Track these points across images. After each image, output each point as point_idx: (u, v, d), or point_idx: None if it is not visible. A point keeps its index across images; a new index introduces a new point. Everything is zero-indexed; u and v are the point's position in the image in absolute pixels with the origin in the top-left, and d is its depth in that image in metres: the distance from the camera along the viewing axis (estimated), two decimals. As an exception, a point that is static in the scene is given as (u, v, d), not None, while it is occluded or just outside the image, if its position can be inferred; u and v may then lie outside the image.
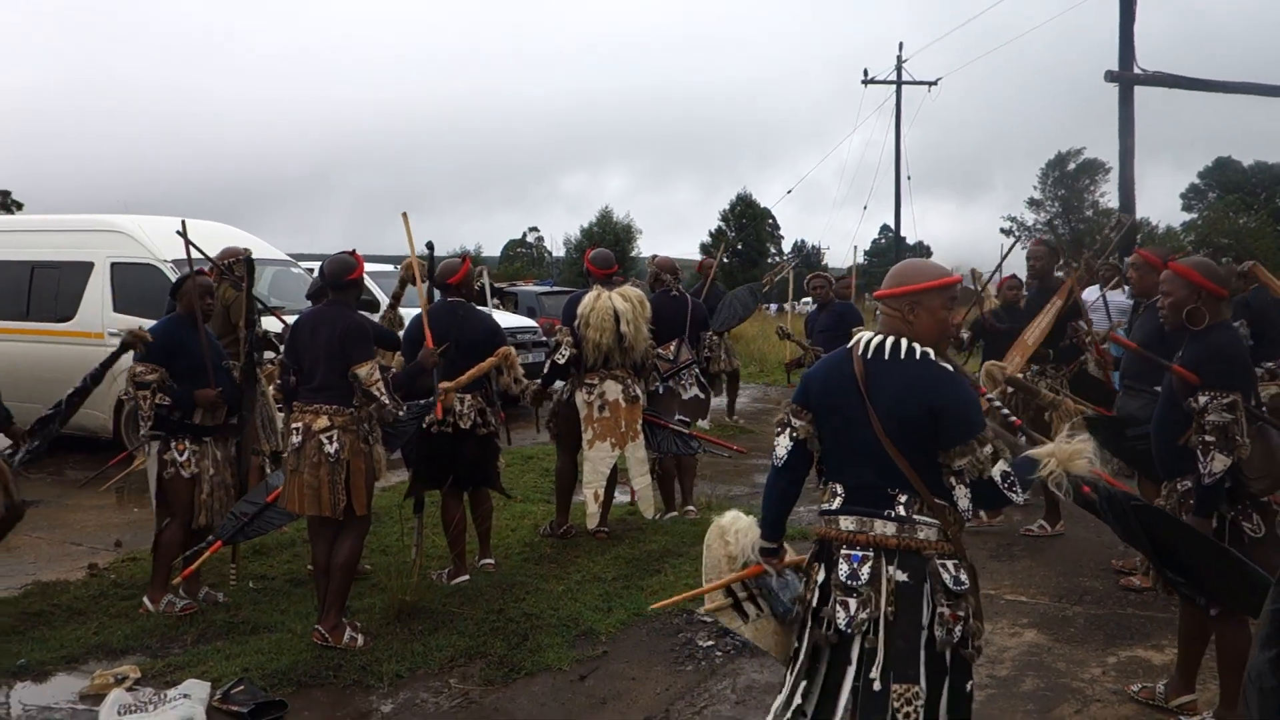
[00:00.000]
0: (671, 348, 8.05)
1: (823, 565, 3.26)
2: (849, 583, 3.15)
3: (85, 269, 11.03)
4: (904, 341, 3.23)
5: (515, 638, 5.51)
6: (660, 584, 6.36)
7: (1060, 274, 7.84)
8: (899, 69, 35.61)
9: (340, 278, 5.64)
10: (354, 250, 5.82)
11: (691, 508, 8.06)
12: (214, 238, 10.59)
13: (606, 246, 9.31)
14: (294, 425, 5.53)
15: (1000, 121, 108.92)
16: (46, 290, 11.14)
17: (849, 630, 3.11)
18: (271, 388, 7.11)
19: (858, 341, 3.30)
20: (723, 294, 12.36)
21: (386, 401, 5.43)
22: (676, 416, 7.95)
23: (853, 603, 3.12)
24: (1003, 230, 64.57)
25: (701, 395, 8.19)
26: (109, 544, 7.61)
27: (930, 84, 35.71)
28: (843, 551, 3.19)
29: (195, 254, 6.69)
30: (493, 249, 63.32)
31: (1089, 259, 8.18)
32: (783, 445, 3.39)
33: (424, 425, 6.24)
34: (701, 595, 3.67)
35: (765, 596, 3.54)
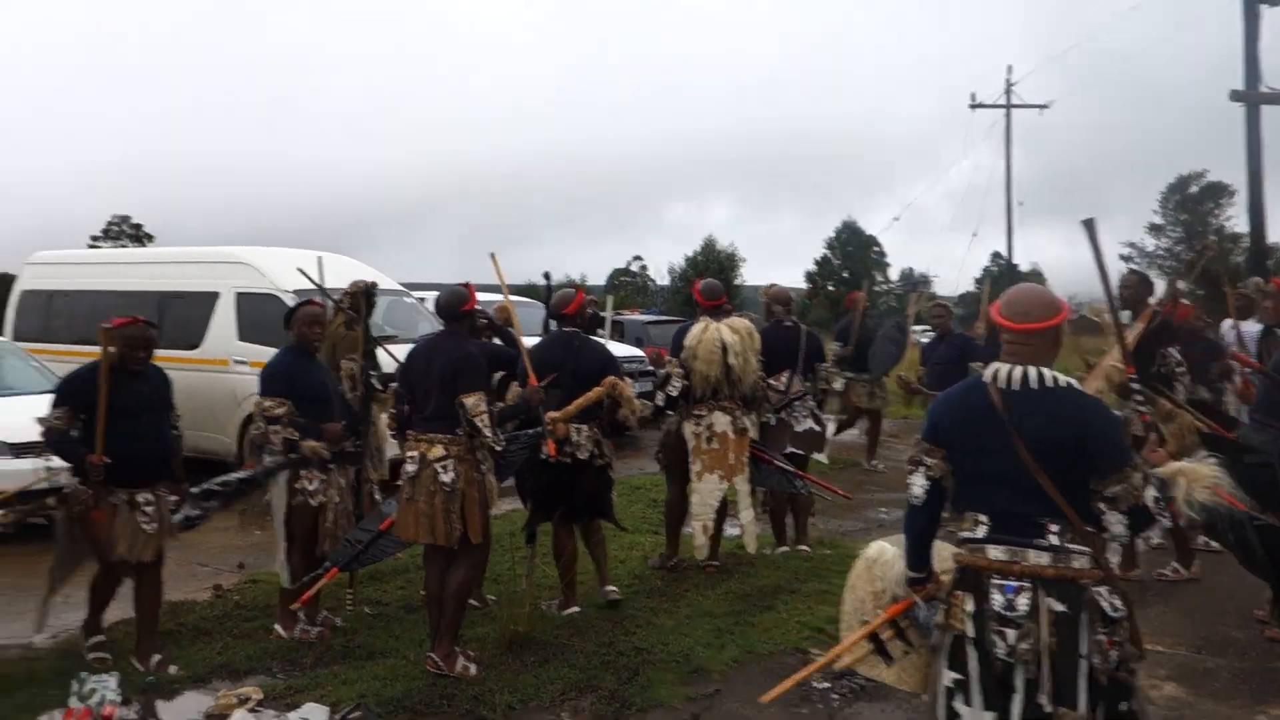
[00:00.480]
0: (783, 379, 7.96)
1: (970, 595, 3.27)
2: (1005, 613, 3.18)
3: (211, 299, 11.44)
4: (1046, 371, 3.28)
5: (626, 672, 5.49)
6: (773, 621, 6.29)
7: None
8: (1008, 92, 35.04)
9: (454, 309, 5.74)
10: (468, 283, 5.91)
11: (805, 546, 7.95)
12: (332, 269, 10.89)
13: (710, 275, 9.25)
14: (409, 454, 5.61)
15: (1116, 144, 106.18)
16: (175, 319, 11.56)
17: (1010, 659, 3.15)
18: (385, 416, 7.26)
19: (993, 374, 3.33)
20: (872, 330, 12.03)
21: (488, 434, 5.47)
22: (788, 449, 7.87)
23: (1011, 633, 3.16)
24: (1122, 257, 62.69)
25: (817, 428, 8.06)
26: (233, 565, 7.83)
27: (1041, 107, 35.06)
28: (994, 581, 3.22)
29: (316, 286, 6.89)
30: (597, 278, 63.77)
31: (1173, 283, 7.82)
32: (919, 484, 3.44)
33: (542, 457, 6.29)
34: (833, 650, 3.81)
35: (917, 628, 3.52)
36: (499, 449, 5.67)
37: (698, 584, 7.09)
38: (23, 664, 5.64)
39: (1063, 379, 3.28)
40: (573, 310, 6.72)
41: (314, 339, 6.28)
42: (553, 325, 6.99)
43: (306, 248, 12.71)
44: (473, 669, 5.48)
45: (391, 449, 7.36)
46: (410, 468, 5.57)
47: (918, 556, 3.57)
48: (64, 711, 4.86)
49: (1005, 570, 3.21)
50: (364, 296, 6.98)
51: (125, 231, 58.05)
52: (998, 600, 3.19)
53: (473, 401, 5.43)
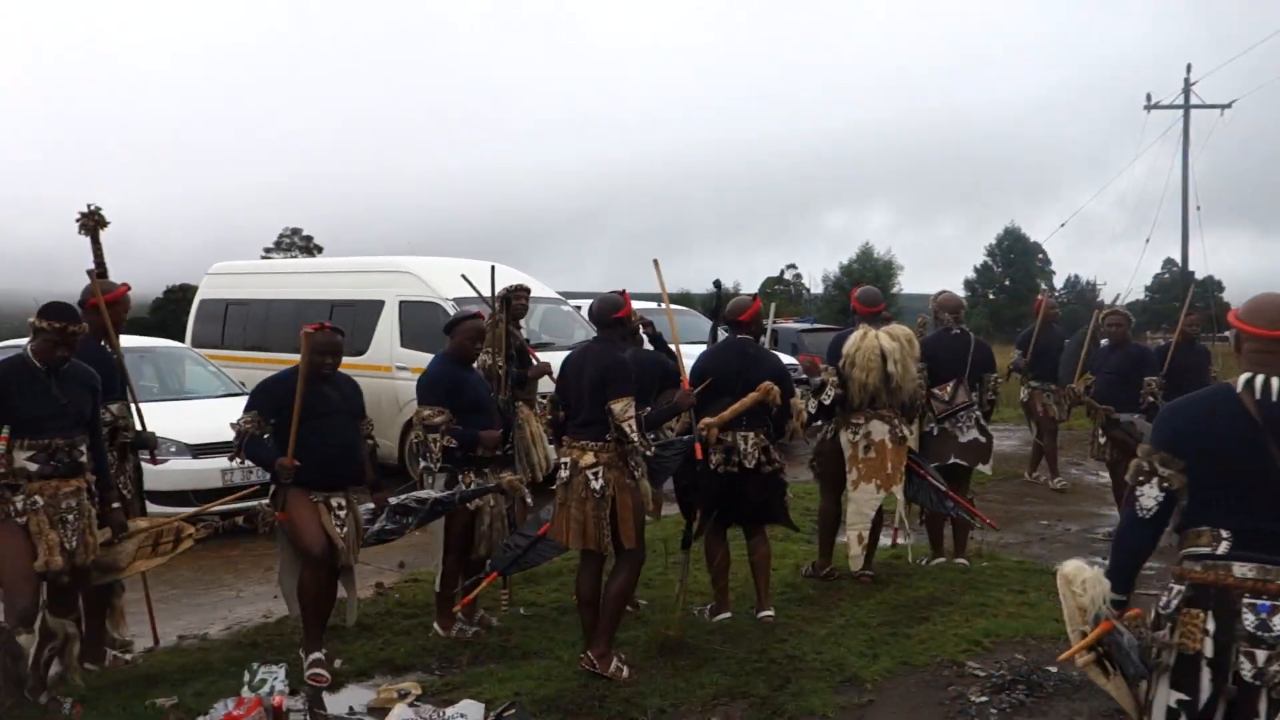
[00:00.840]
0: (948, 389, 7.76)
1: (1211, 613, 3.12)
2: (1258, 633, 3.05)
3: (377, 307, 11.87)
4: None
5: (777, 680, 5.44)
6: (928, 633, 6.14)
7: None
8: (1186, 92, 33.41)
9: (606, 315, 5.77)
10: (624, 290, 5.96)
11: (962, 560, 7.74)
12: (487, 276, 11.14)
13: (867, 283, 9.05)
14: (563, 460, 5.68)
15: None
16: (343, 326, 11.94)
17: (1256, 682, 3.03)
18: (532, 419, 7.41)
19: (1246, 382, 3.19)
20: (1060, 337, 11.52)
21: (636, 439, 5.47)
22: (952, 460, 7.69)
23: (1261, 654, 3.04)
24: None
25: (982, 439, 7.82)
26: (393, 564, 8.08)
27: (1223, 107, 33.33)
28: (1246, 600, 3.08)
29: (477, 293, 7.08)
30: (750, 287, 63.61)
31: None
32: (1151, 496, 3.24)
33: (712, 466, 6.31)
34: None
35: (1116, 655, 3.32)
36: (650, 454, 5.68)
37: (851, 594, 6.98)
38: (199, 654, 5.92)
39: None
40: (748, 318, 6.69)
41: (474, 352, 6.42)
42: (721, 333, 7.02)
43: (470, 257, 13.07)
44: (625, 671, 5.51)
45: (543, 452, 7.51)
46: (563, 474, 5.63)
47: (1127, 577, 3.37)
48: (236, 700, 5.07)
49: (1259, 589, 3.07)
50: (502, 300, 7.12)
51: (296, 243, 60.68)
52: (1250, 620, 3.05)
53: (620, 407, 5.44)
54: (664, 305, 6.55)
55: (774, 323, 17.77)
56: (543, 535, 6.02)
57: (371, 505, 5.95)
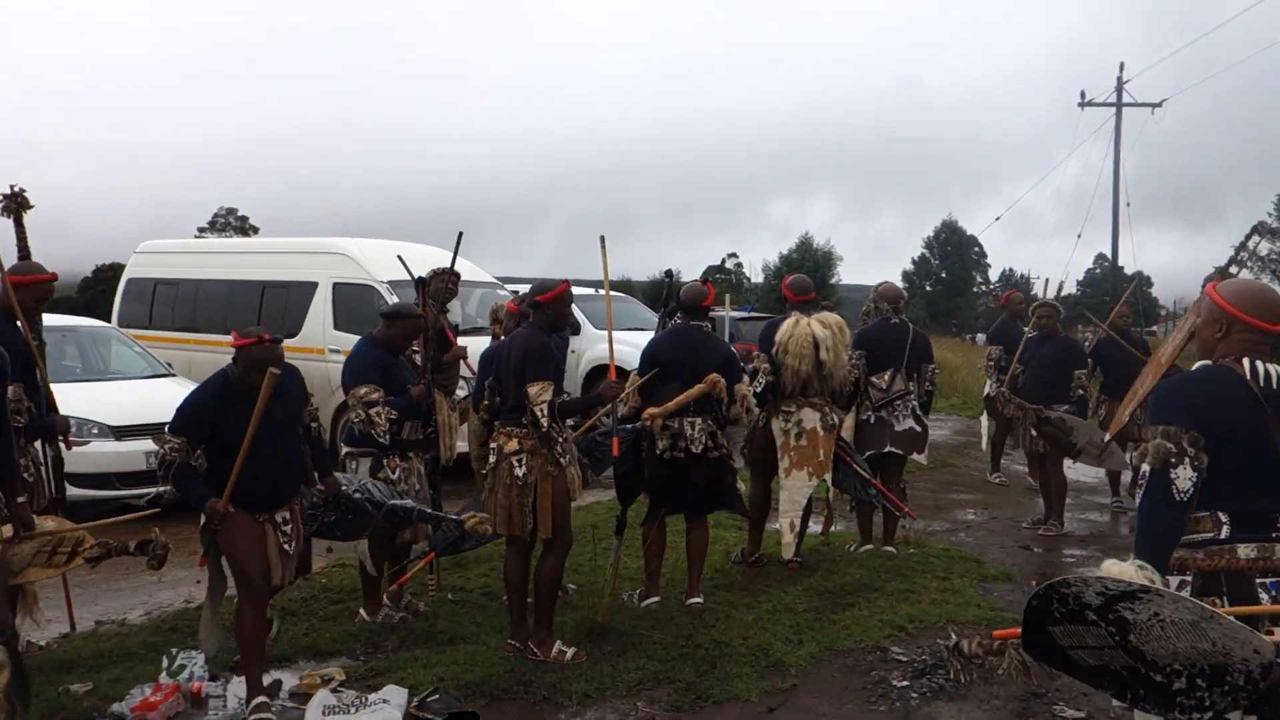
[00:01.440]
0: (886, 377, 7.85)
1: (1227, 600, 3.09)
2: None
3: (310, 289, 11.71)
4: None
5: (704, 665, 5.46)
6: (854, 618, 6.20)
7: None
8: (1119, 90, 33.97)
9: (531, 297, 5.72)
10: (708, 280, 5.94)
11: (890, 548, 7.82)
12: (425, 260, 11.04)
13: (806, 273, 9.10)
14: (492, 445, 5.66)
15: (1232, 146, 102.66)
16: (275, 308, 11.88)
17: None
18: (444, 404, 7.33)
19: (1249, 367, 3.19)
20: (1021, 332, 10.48)
21: (545, 424, 5.40)
22: (887, 448, 7.79)
23: (1279, 631, 3.00)
24: (1238, 263, 60.49)
25: (918, 428, 7.92)
26: (320, 549, 7.96)
27: (1154, 106, 33.96)
28: (1259, 581, 3.10)
29: (409, 275, 7.04)
30: (691, 274, 63.81)
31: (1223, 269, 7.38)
32: (1186, 478, 3.09)
33: (658, 453, 6.34)
34: None
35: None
36: (561, 441, 5.58)
37: (779, 580, 7.03)
38: (116, 639, 5.81)
39: None
40: (709, 304, 6.74)
41: (405, 347, 6.36)
42: (667, 322, 7.05)
43: (412, 240, 12.96)
44: (569, 653, 5.53)
45: (458, 438, 7.47)
46: (491, 459, 5.62)
47: (1161, 569, 3.12)
48: (153, 686, 4.99)
49: (1265, 569, 3.10)
50: (419, 283, 7.08)
51: (231, 223, 59.75)
52: (1265, 600, 3.07)
53: (535, 391, 5.39)
54: (604, 289, 6.48)
55: (729, 311, 17.80)
56: None
57: (321, 489, 5.50)
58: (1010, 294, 12.22)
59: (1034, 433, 8.78)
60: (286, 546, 5.05)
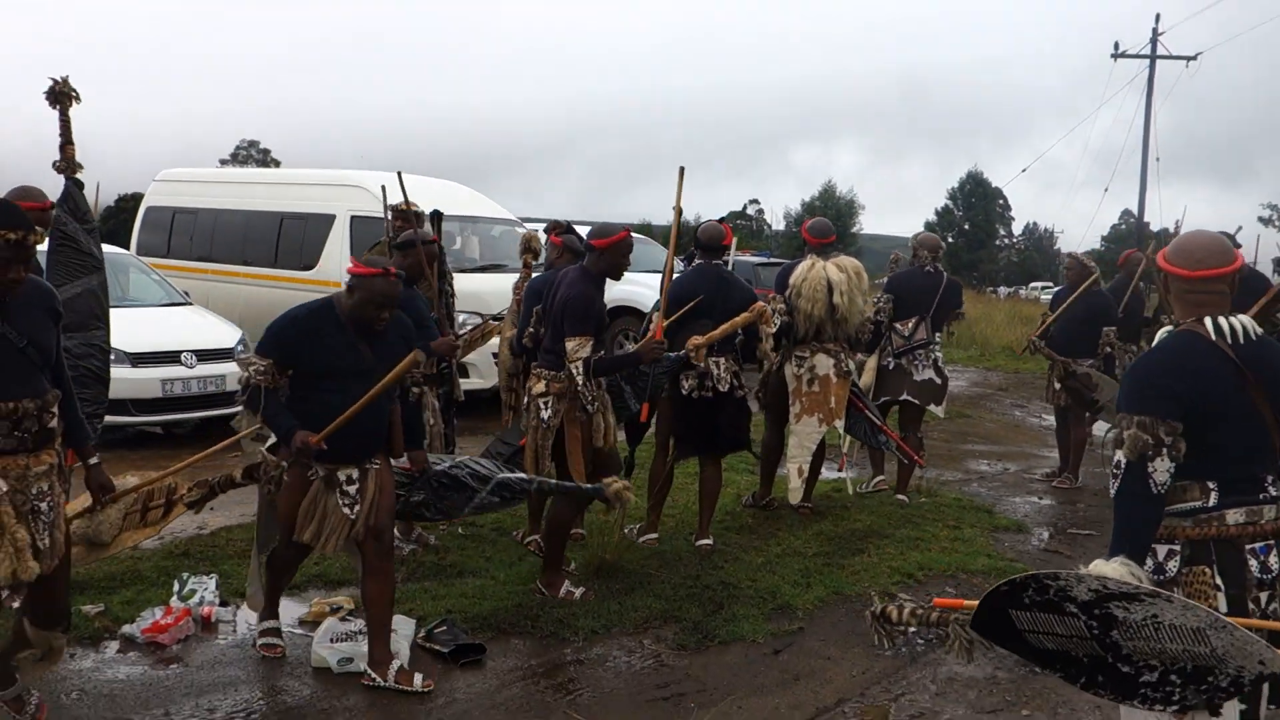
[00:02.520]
0: (910, 325, 7.81)
1: (1216, 568, 3.00)
2: (1263, 576, 2.99)
3: (328, 221, 11.67)
4: (1247, 320, 3.06)
5: (711, 605, 5.48)
6: (862, 564, 6.21)
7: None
8: (1154, 42, 33.40)
9: (588, 240, 5.57)
10: (724, 219, 5.86)
11: (903, 495, 7.81)
12: (442, 195, 10.99)
13: (828, 219, 9.00)
14: (529, 385, 5.63)
15: (1267, 103, 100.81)
16: (293, 240, 11.86)
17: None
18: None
19: (1214, 327, 3.02)
20: (1137, 300, 9.94)
21: (580, 382, 5.33)
22: (904, 396, 7.77)
23: (1264, 596, 2.98)
24: (1261, 219, 59.71)
25: (937, 379, 7.88)
26: (334, 481, 8.01)
27: (1189, 59, 33.37)
28: (1247, 547, 3.00)
29: (390, 201, 6.92)
30: (713, 217, 63.60)
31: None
32: (1163, 469, 2.95)
33: (685, 393, 6.32)
34: None
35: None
36: (591, 404, 5.48)
37: (789, 524, 7.03)
38: (129, 563, 5.86)
39: (1253, 325, 3.05)
40: (729, 243, 6.71)
41: (418, 279, 6.16)
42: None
43: (434, 176, 12.89)
44: (577, 593, 5.54)
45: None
46: (525, 399, 5.58)
47: (1142, 559, 3.03)
48: (164, 609, 5.03)
49: (1254, 533, 3.00)
50: (434, 217, 7.01)
51: (253, 156, 59.70)
52: (1254, 565, 2.98)
53: (572, 346, 5.30)
54: (676, 215, 5.92)
55: (745, 256, 17.73)
56: (523, 445, 5.76)
57: (406, 466, 4.89)
58: (1129, 254, 10.56)
59: (1058, 385, 8.71)
60: (347, 510, 4.42)
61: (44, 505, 3.58)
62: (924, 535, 6.84)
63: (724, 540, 6.60)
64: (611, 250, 5.45)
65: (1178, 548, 3.04)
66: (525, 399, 5.60)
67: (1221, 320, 3.02)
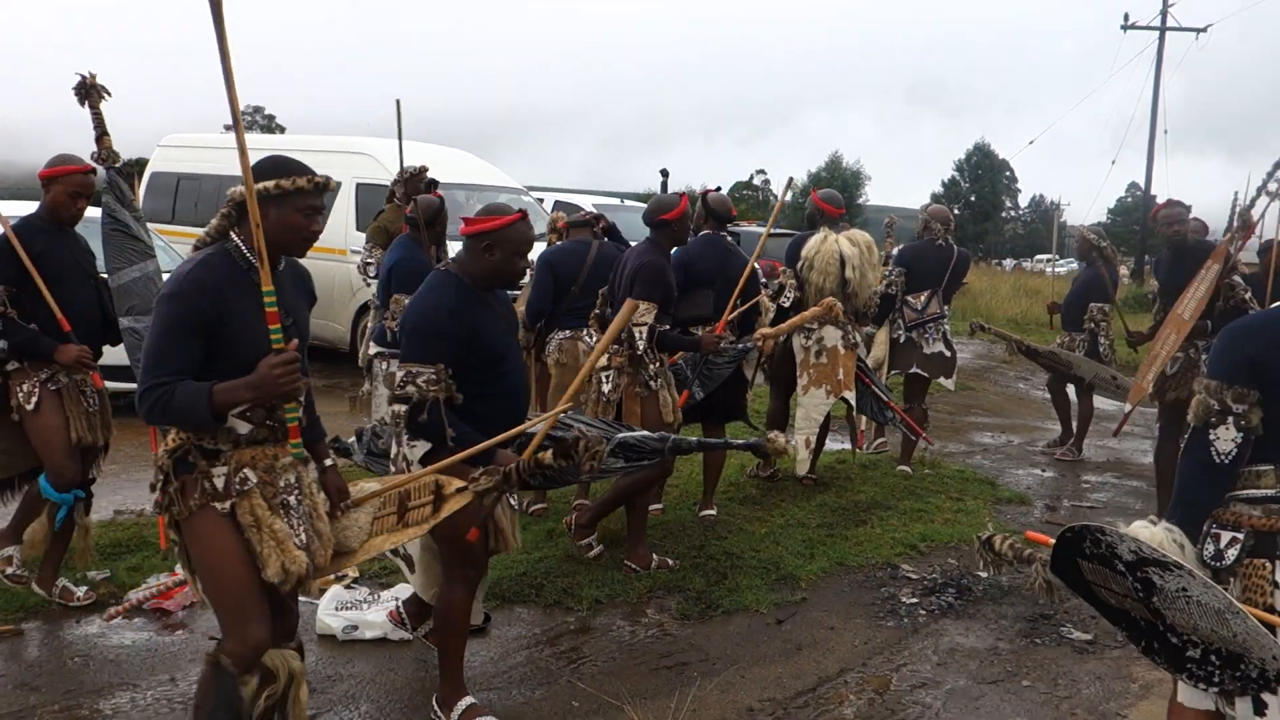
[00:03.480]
0: (922, 298, 7.80)
1: (1275, 564, 2.81)
2: None
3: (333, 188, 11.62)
4: None
5: (714, 575, 5.50)
6: (865, 535, 6.22)
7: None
8: (1163, 13, 33.13)
9: (654, 216, 5.62)
10: (719, 189, 5.87)
11: (906, 467, 7.82)
12: (450, 163, 10.96)
13: (835, 189, 8.97)
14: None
15: (1277, 76, 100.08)
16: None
17: None
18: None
19: None
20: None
21: (641, 346, 5.32)
22: (914, 369, 7.78)
23: None
24: (1268, 193, 59.29)
25: (947, 353, 7.88)
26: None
27: (1199, 31, 33.10)
28: None
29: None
30: (720, 188, 63.25)
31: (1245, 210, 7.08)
32: (1228, 438, 2.81)
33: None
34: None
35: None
36: (654, 368, 5.48)
37: (793, 495, 7.04)
38: (134, 529, 5.88)
39: None
40: (735, 214, 6.73)
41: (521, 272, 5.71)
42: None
43: (443, 145, 12.85)
44: (670, 561, 5.58)
45: None
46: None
47: (1196, 531, 2.91)
48: (170, 574, 5.05)
49: None
50: (426, 184, 7.04)
51: (258, 122, 59.50)
52: None
53: (642, 309, 5.29)
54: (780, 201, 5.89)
55: (740, 226, 17.66)
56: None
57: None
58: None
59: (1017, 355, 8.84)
60: (513, 504, 4.10)
61: (292, 499, 3.22)
62: (927, 507, 6.85)
63: (728, 511, 6.61)
64: (680, 221, 5.59)
65: (1241, 536, 2.85)
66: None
67: None
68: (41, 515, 4.92)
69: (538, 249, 7.32)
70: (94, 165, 5.06)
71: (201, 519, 3.10)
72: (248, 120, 59.63)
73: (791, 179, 7.88)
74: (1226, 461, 2.83)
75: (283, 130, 56.99)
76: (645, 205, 6.54)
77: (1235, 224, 6.08)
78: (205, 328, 2.97)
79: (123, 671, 4.30)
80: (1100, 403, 9.32)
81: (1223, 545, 2.86)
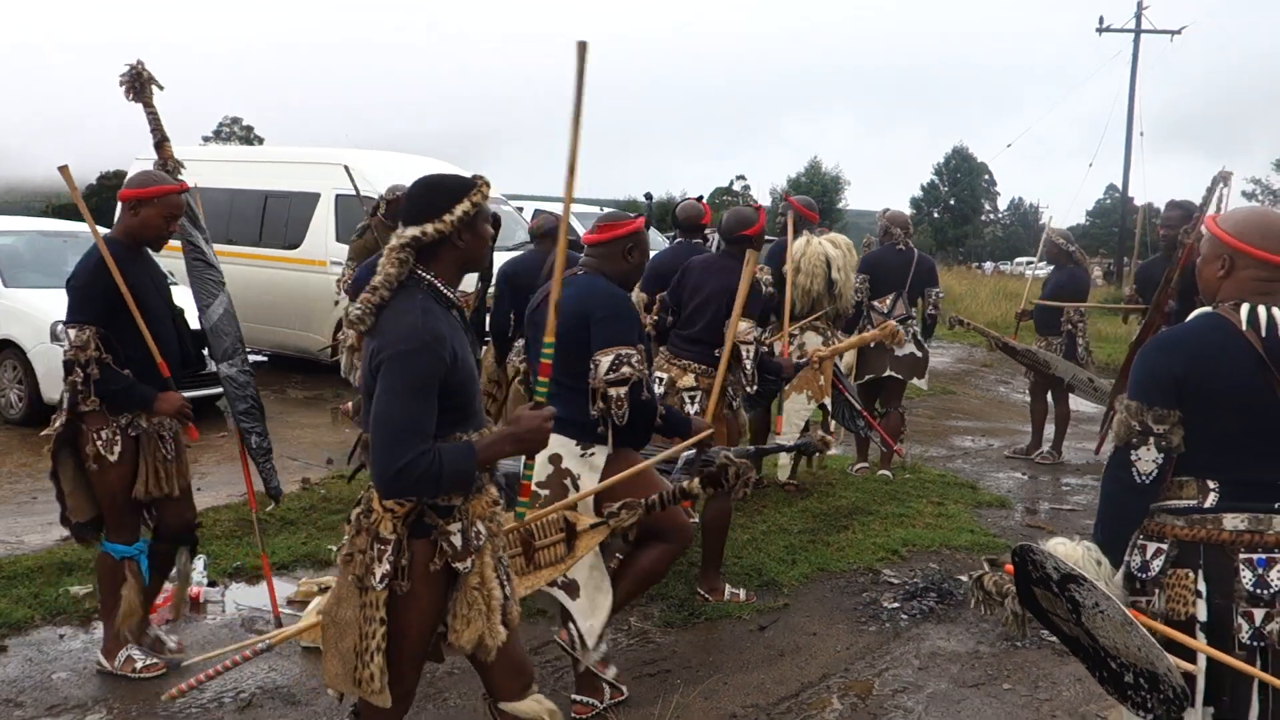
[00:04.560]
0: (888, 302, 7.86)
1: (1202, 574, 2.78)
2: (1257, 591, 2.72)
3: (312, 200, 11.63)
4: None
5: (697, 582, 5.52)
6: (847, 540, 6.27)
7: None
8: (1138, 16, 33.45)
9: (732, 231, 5.54)
10: (701, 198, 5.85)
11: (886, 471, 7.87)
12: (422, 173, 10.94)
13: (813, 196, 9.06)
14: (658, 374, 5.35)
15: (1254, 76, 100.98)
16: (278, 218, 11.82)
17: (1256, 644, 2.71)
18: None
19: (1248, 315, 2.76)
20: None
21: (748, 367, 5.21)
22: (887, 372, 7.83)
23: (1258, 613, 2.72)
24: (1244, 194, 59.85)
25: (918, 353, 7.95)
26: (321, 461, 8.04)
27: (1173, 33, 33.43)
28: (1242, 556, 2.75)
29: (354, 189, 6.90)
30: (698, 194, 63.39)
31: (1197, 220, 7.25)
32: (1148, 459, 2.80)
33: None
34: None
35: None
36: (752, 389, 5.41)
37: (775, 501, 7.08)
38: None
39: None
40: (706, 223, 6.77)
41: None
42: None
43: (427, 156, 12.85)
44: (741, 594, 5.35)
45: None
46: (659, 390, 5.22)
47: (1120, 551, 2.88)
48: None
49: (1252, 543, 2.74)
50: (375, 206, 7.05)
51: (236, 133, 59.29)
52: (1247, 577, 2.72)
53: (744, 328, 5.19)
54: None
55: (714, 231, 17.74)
56: None
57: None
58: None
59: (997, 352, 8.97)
60: None
61: (504, 554, 3.07)
62: (908, 511, 6.90)
63: (710, 518, 6.64)
64: (759, 236, 5.59)
65: (1165, 547, 2.84)
66: (660, 392, 5.20)
67: (1261, 309, 2.76)
68: (127, 579, 4.29)
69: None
70: (187, 184, 4.57)
71: (430, 584, 2.83)
72: (226, 131, 59.45)
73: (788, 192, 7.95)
74: (1148, 482, 2.83)
75: (261, 141, 56.86)
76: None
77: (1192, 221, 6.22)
78: (442, 380, 2.74)
79: (107, 687, 4.29)
80: (1080, 405, 9.42)
81: (1148, 556, 2.86)
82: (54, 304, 8.70)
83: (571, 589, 3.98)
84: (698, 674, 4.55)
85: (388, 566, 2.76)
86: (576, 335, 3.86)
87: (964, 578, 5.66)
